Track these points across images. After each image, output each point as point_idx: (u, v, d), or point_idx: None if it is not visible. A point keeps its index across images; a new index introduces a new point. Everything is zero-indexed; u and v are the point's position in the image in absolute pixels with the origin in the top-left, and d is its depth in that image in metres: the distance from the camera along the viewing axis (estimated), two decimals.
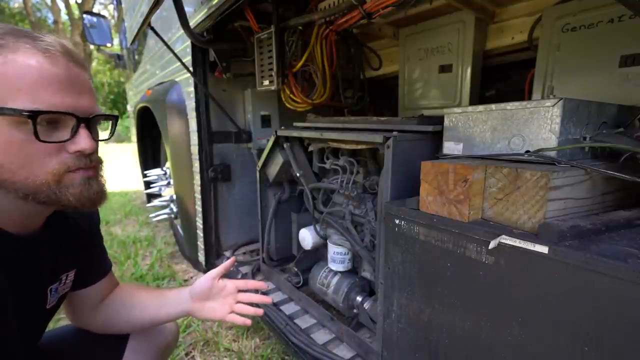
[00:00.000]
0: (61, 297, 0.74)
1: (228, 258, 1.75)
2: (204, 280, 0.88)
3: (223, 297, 0.88)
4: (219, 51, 1.60)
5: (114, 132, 0.69)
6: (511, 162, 0.68)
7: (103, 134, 0.72)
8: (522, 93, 1.23)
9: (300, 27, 1.38)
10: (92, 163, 0.58)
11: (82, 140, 0.55)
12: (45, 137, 0.52)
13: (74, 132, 0.54)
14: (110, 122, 0.67)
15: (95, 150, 0.59)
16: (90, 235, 0.80)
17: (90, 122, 0.57)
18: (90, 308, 0.83)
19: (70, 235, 0.73)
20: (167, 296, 0.88)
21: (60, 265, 0.70)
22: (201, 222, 1.80)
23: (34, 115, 0.49)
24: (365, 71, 1.79)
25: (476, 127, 0.77)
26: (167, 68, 2.08)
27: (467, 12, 1.25)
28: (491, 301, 0.62)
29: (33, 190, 0.53)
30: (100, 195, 0.61)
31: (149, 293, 0.90)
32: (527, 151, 0.67)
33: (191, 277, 2.21)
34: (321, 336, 1.18)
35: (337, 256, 1.24)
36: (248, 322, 0.87)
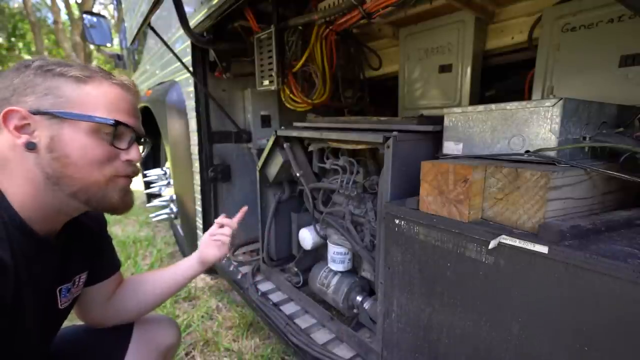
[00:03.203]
0: (75, 298, 0.77)
1: (228, 258, 1.75)
2: (204, 238, 1.03)
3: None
4: (219, 51, 1.60)
5: (145, 153, 0.79)
6: (511, 162, 0.68)
7: None
8: (522, 93, 1.23)
9: (300, 27, 1.38)
10: (134, 173, 0.71)
11: (134, 152, 0.69)
12: (111, 144, 0.64)
13: (130, 144, 0.68)
14: (147, 146, 0.80)
15: (139, 162, 0.71)
16: (100, 237, 0.85)
17: (140, 140, 0.71)
18: (101, 303, 0.86)
19: (83, 239, 0.77)
20: (177, 264, 0.99)
21: (73, 267, 0.74)
22: (201, 222, 1.80)
23: (115, 123, 0.63)
24: (365, 71, 1.79)
25: (476, 127, 0.77)
26: (167, 68, 2.08)
27: (467, 12, 1.25)
28: (491, 301, 0.62)
29: (86, 187, 0.63)
30: (132, 201, 0.73)
31: (156, 270, 1.00)
32: (527, 151, 0.67)
33: None
34: (321, 336, 1.18)
35: (337, 256, 1.24)
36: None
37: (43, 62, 0.62)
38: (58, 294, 0.71)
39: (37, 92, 0.59)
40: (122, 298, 0.89)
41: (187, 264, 0.98)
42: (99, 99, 0.63)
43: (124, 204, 0.70)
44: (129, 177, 0.70)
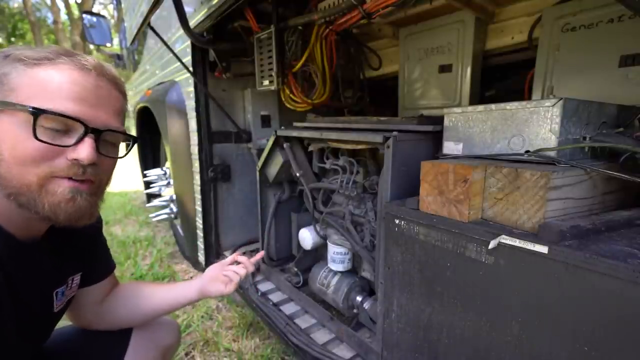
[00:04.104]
0: (69, 300, 0.75)
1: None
2: (213, 268, 0.97)
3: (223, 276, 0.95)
4: (219, 51, 1.60)
5: (128, 152, 0.69)
6: (511, 162, 0.68)
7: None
8: (522, 93, 1.23)
9: (300, 27, 1.38)
10: (84, 175, 0.56)
11: (83, 149, 0.55)
12: (49, 139, 0.53)
13: (79, 140, 0.55)
14: (128, 142, 0.69)
15: (93, 163, 0.56)
16: (94, 238, 0.82)
17: (100, 135, 0.57)
18: (93, 306, 0.84)
19: (75, 240, 0.74)
20: (176, 285, 0.94)
21: (67, 269, 0.72)
22: (201, 222, 1.80)
23: (36, 112, 0.51)
24: (365, 71, 1.79)
25: (476, 127, 0.77)
26: (166, 68, 2.08)
27: (467, 12, 1.25)
28: (491, 301, 0.62)
29: (17, 189, 0.53)
30: (83, 213, 0.58)
31: (155, 284, 0.94)
32: (527, 151, 0.67)
33: (191, 277, 2.21)
34: (321, 336, 1.18)
35: (337, 256, 1.24)
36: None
37: (10, 51, 0.54)
38: (54, 297, 0.69)
39: None
40: (116, 304, 0.86)
41: (186, 291, 0.91)
42: (42, 84, 0.53)
43: (65, 214, 0.56)
44: (79, 181, 0.56)
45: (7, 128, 0.52)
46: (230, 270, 0.95)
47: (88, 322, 0.86)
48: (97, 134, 0.57)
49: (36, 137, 0.51)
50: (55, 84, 0.53)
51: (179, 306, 0.93)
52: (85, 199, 0.57)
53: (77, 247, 0.74)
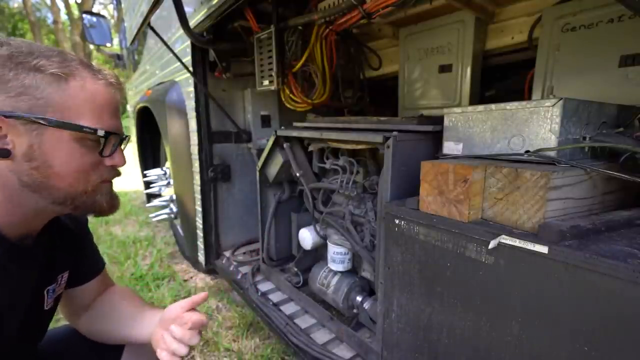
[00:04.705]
0: (57, 298, 0.75)
1: (228, 258, 1.75)
2: (173, 309, 0.73)
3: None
4: (218, 51, 1.60)
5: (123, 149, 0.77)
6: (511, 162, 0.68)
7: None
8: (522, 93, 1.23)
9: (300, 27, 1.38)
10: (118, 175, 0.68)
11: (119, 157, 0.66)
12: (94, 150, 0.61)
13: (114, 149, 0.64)
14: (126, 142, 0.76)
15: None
16: (80, 236, 0.82)
17: (122, 142, 0.67)
18: (81, 307, 0.84)
19: (63, 237, 0.75)
20: (143, 317, 0.79)
21: (57, 266, 0.72)
22: (201, 222, 1.80)
23: (106, 135, 0.60)
24: (365, 71, 1.79)
25: (476, 127, 0.77)
26: (166, 68, 2.08)
27: (467, 12, 1.25)
28: (491, 301, 0.62)
29: (73, 196, 0.60)
30: (119, 201, 0.71)
31: (129, 308, 0.83)
32: (527, 151, 0.67)
33: (191, 277, 2.21)
34: (321, 336, 1.18)
35: (337, 256, 1.24)
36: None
37: (12, 50, 0.53)
38: (46, 294, 0.70)
39: (9, 89, 0.51)
40: (95, 319, 0.82)
41: (148, 334, 0.76)
42: (85, 102, 0.57)
43: (112, 207, 0.68)
44: (111, 180, 0.68)
45: (55, 145, 0.56)
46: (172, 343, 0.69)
47: (76, 325, 0.85)
48: (121, 141, 0.67)
49: (102, 155, 0.61)
50: (98, 103, 0.59)
51: (139, 342, 0.79)
52: (115, 192, 0.70)
53: (66, 243, 0.76)
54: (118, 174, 0.69)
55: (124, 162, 0.67)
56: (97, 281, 0.85)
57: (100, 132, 0.58)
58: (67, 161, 0.57)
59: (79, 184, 0.60)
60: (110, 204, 0.67)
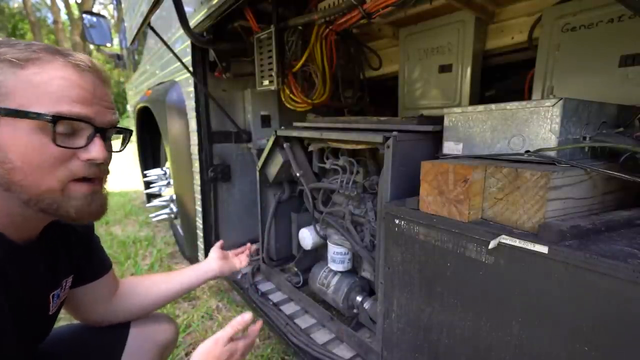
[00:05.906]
0: (61, 303, 0.75)
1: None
2: (217, 250, 1.19)
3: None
4: (218, 51, 1.60)
5: (126, 146, 0.71)
6: (511, 162, 0.68)
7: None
8: (522, 93, 1.23)
9: (300, 27, 1.38)
10: (100, 173, 0.60)
11: (96, 149, 0.57)
12: (62, 143, 0.53)
13: (89, 141, 0.56)
14: (124, 135, 0.70)
15: (106, 161, 0.60)
16: (87, 238, 0.81)
17: (106, 133, 0.59)
18: (97, 304, 0.85)
19: (68, 241, 0.74)
20: (173, 274, 1.01)
21: (61, 271, 0.71)
22: (201, 222, 1.80)
23: (54, 119, 0.51)
24: (365, 71, 1.79)
25: (476, 127, 0.77)
26: (166, 68, 2.08)
27: (467, 12, 1.25)
28: (491, 301, 0.62)
29: (37, 195, 0.54)
30: (101, 210, 0.62)
31: (154, 276, 1.00)
32: (527, 151, 0.67)
33: None
34: (321, 336, 1.18)
35: (337, 256, 1.24)
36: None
37: None
38: (51, 299, 0.69)
39: None
40: (122, 299, 0.88)
41: (201, 270, 1.08)
42: (41, 87, 0.51)
43: (89, 214, 0.59)
44: (94, 180, 0.59)
45: (15, 135, 0.51)
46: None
47: (100, 319, 0.86)
48: (102, 132, 0.58)
49: (56, 144, 0.52)
50: (55, 87, 0.52)
51: (194, 287, 1.03)
52: (99, 196, 0.61)
53: (71, 247, 0.74)
54: (102, 171, 0.60)
55: (102, 156, 0.57)
56: (106, 279, 0.86)
57: (47, 117, 0.51)
58: (26, 153, 0.51)
59: (43, 181, 0.53)
60: (86, 209, 0.58)
